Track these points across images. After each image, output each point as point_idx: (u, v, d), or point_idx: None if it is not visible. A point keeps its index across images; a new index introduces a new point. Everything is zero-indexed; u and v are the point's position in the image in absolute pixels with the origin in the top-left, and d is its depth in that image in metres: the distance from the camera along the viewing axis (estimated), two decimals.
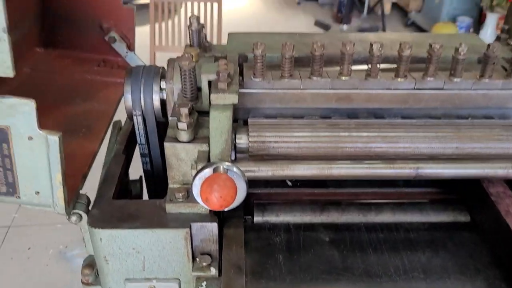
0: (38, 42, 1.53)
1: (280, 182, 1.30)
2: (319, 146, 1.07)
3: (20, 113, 0.86)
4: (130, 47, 1.54)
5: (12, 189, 0.95)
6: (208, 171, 0.92)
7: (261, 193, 1.27)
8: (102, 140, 1.26)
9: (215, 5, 3.86)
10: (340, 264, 1.07)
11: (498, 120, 1.16)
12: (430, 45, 1.10)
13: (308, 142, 1.07)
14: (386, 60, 1.16)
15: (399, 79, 1.13)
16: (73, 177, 1.06)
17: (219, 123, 1.01)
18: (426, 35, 1.67)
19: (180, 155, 1.04)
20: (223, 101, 1.03)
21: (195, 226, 1.04)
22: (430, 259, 1.08)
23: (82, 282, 1.18)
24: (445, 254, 1.09)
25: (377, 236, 1.15)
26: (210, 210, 1.05)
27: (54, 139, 0.88)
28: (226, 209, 0.95)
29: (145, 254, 1.06)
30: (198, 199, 0.93)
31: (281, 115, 1.16)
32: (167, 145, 1.03)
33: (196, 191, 0.92)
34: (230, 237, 1.10)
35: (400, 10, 6.75)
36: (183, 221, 1.04)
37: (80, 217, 1.04)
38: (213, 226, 1.04)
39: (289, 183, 1.31)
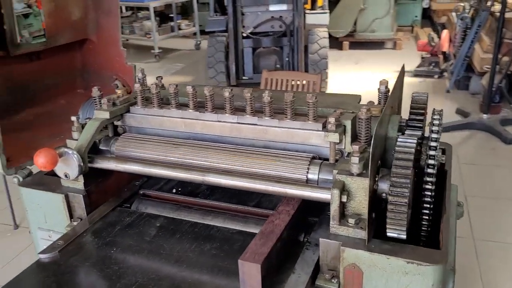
0: (80, 86, 2.33)
1: (169, 189, 1.75)
2: (152, 154, 1.52)
3: None
4: (129, 91, 2.21)
5: None
6: (51, 150, 1.46)
7: (151, 194, 1.73)
8: None
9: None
10: (150, 239, 1.45)
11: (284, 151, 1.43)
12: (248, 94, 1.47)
13: (146, 151, 1.53)
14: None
15: (226, 114, 1.51)
16: (23, 156, 1.73)
17: (89, 127, 1.56)
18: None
19: None
20: (99, 115, 1.58)
21: (70, 194, 1.58)
22: (208, 251, 1.38)
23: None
24: (218, 248, 1.38)
25: (193, 229, 1.49)
26: (84, 187, 1.58)
27: None
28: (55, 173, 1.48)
29: (44, 210, 1.63)
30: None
31: (156, 134, 1.64)
32: None
33: None
34: (98, 210, 1.60)
35: None
36: (65, 190, 1.58)
37: (19, 180, 1.69)
38: (80, 197, 1.56)
39: (174, 191, 1.74)
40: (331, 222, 1.26)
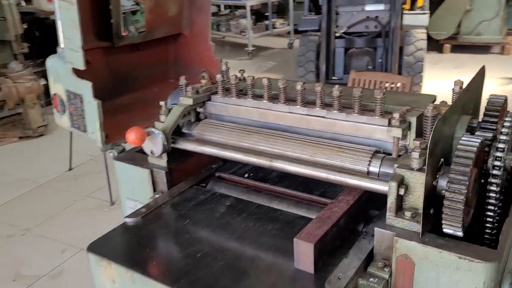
0: (172, 76, 2.55)
1: (242, 174, 1.88)
2: (228, 139, 1.66)
3: (87, 87, 1.83)
4: (213, 82, 2.39)
5: (85, 128, 1.92)
6: (141, 128, 1.65)
7: (226, 177, 1.88)
8: None
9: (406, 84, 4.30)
10: (219, 215, 1.59)
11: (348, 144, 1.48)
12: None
13: (223, 137, 1.68)
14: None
15: (297, 106, 1.60)
16: (119, 135, 1.96)
17: (174, 111, 1.74)
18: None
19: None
20: (183, 101, 1.76)
21: (155, 170, 1.77)
22: (269, 231, 1.48)
23: None
24: (279, 229, 1.48)
25: (258, 211, 1.60)
26: (167, 165, 1.76)
27: (96, 102, 1.81)
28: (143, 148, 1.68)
29: (133, 182, 1.84)
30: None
31: (233, 121, 1.78)
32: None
33: None
34: (177, 186, 1.77)
35: None
36: (151, 166, 1.78)
37: (114, 154, 1.92)
38: (163, 173, 1.75)
39: (246, 175, 1.87)
40: (387, 214, 1.30)
